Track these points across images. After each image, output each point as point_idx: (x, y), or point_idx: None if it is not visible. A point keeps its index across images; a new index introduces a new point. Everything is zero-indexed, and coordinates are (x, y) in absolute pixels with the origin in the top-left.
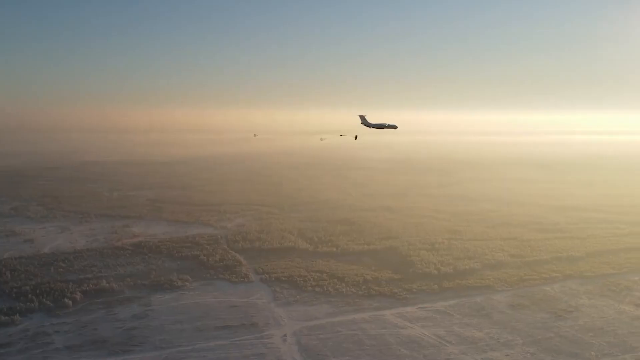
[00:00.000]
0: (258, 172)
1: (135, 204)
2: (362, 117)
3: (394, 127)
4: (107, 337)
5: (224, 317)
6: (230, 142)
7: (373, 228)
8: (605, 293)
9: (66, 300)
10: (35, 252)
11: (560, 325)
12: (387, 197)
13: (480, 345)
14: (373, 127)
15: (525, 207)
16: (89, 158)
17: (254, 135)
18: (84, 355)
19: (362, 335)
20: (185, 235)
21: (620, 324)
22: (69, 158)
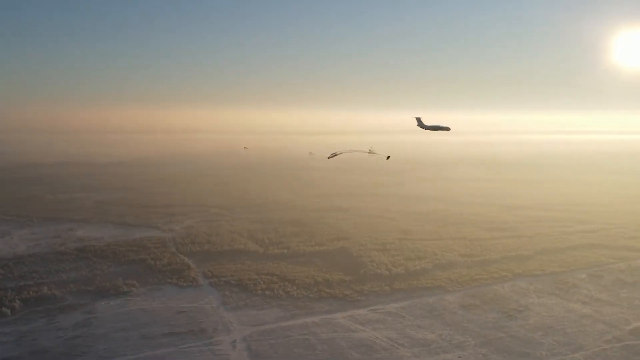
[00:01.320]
0: (209, 173)
1: (81, 207)
2: (418, 119)
3: (447, 129)
4: (47, 347)
5: (171, 323)
6: (183, 142)
7: (324, 229)
8: (554, 291)
9: (4, 309)
10: None
11: (511, 325)
12: (339, 197)
13: (432, 348)
14: (428, 129)
15: (474, 206)
16: (34, 159)
17: (244, 148)
18: None
19: (313, 340)
20: (132, 238)
21: (569, 322)
22: (10, 159)
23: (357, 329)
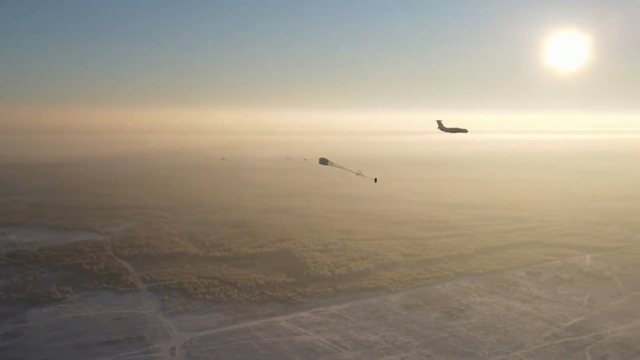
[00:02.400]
0: (150, 174)
1: (14, 210)
2: (439, 122)
3: (465, 131)
4: None
5: (107, 331)
6: (125, 143)
7: (266, 230)
8: (495, 290)
9: None
10: None
11: (453, 324)
12: (281, 197)
13: (375, 350)
14: (447, 131)
15: (416, 205)
16: None
17: (222, 159)
18: None
19: (255, 345)
20: (67, 242)
21: (510, 320)
22: None
23: (300, 332)
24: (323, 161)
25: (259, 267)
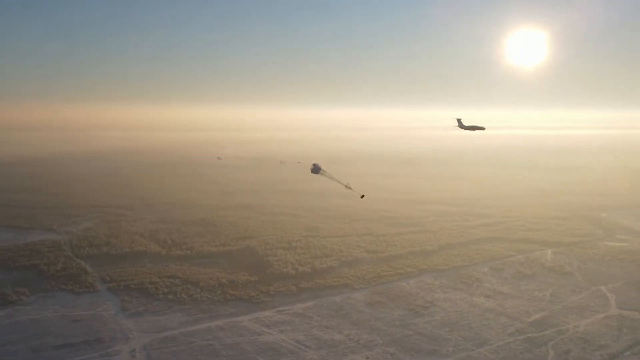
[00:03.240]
0: (111, 172)
1: None
2: (459, 120)
3: (483, 128)
4: None
5: (64, 333)
6: (86, 140)
7: (229, 228)
8: (458, 286)
9: None
10: None
11: (417, 321)
12: (244, 194)
13: (340, 349)
14: (466, 129)
15: (380, 201)
16: None
17: (218, 158)
18: None
19: (217, 345)
20: (23, 242)
21: (474, 316)
22: None
23: (263, 332)
24: (315, 169)
25: (222, 265)
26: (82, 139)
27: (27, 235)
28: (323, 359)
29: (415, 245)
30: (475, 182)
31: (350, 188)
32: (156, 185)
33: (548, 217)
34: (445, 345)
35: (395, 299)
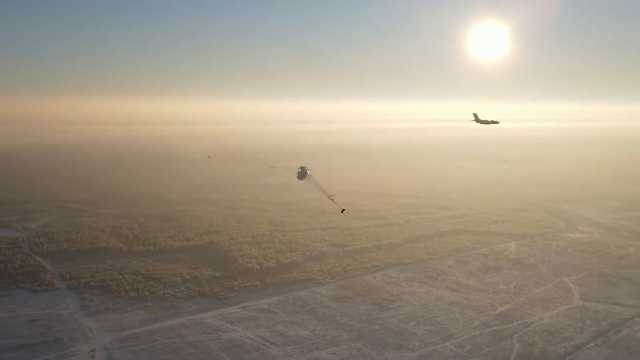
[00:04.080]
0: (72, 166)
1: None
2: (475, 115)
3: (497, 122)
4: None
5: (21, 333)
6: (46, 133)
7: (193, 222)
8: (424, 279)
9: None
10: None
11: (383, 316)
12: (209, 188)
13: (305, 345)
14: (482, 123)
15: (344, 194)
16: None
17: (208, 157)
18: None
19: (180, 343)
20: None
21: (440, 310)
22: None
23: (228, 329)
24: (301, 175)
25: (185, 261)
26: (42, 132)
27: None
28: (288, 356)
29: (380, 238)
30: (438, 174)
31: (332, 200)
32: (118, 179)
33: (511, 209)
34: (411, 339)
35: (361, 293)
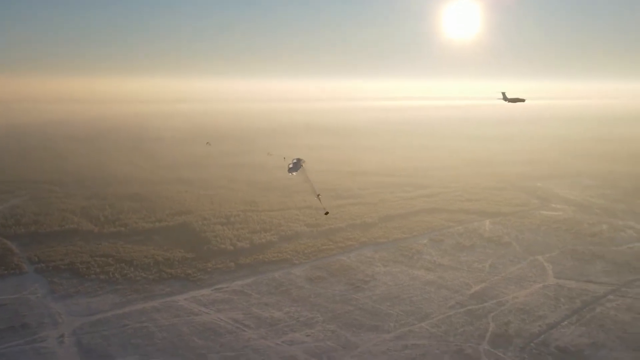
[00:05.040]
0: (40, 145)
1: None
2: (503, 94)
3: (523, 100)
4: None
5: None
6: (16, 112)
7: (165, 203)
8: (399, 259)
9: None
10: None
11: (358, 296)
12: (181, 168)
13: (280, 327)
14: (509, 101)
15: (319, 173)
16: None
17: (207, 143)
18: None
19: (152, 327)
20: None
21: (415, 290)
22: None
23: (201, 312)
24: (295, 167)
25: (157, 242)
26: (10, 111)
27: None
28: (262, 339)
29: (355, 217)
30: (412, 153)
31: (319, 199)
32: (90, 159)
33: (485, 187)
34: (386, 320)
35: (336, 274)
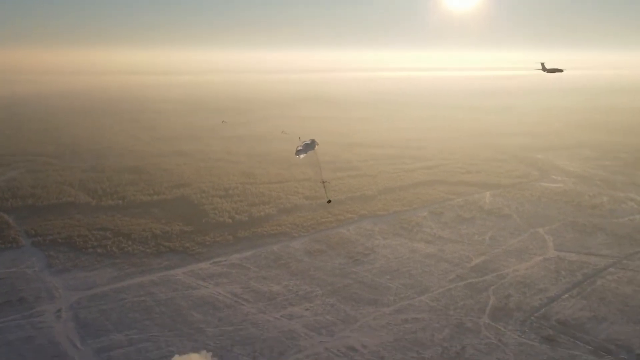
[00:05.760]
0: (38, 117)
1: None
2: (542, 64)
3: (561, 70)
4: None
5: None
6: (7, 84)
7: (164, 175)
8: (398, 231)
9: None
10: None
11: (357, 270)
12: (179, 140)
13: (278, 301)
14: (548, 72)
15: (318, 145)
16: None
17: (222, 122)
18: None
19: (150, 302)
20: None
21: (414, 263)
22: None
23: (199, 286)
24: (305, 149)
25: (155, 215)
26: (6, 83)
27: None
28: (261, 313)
29: (354, 190)
30: (411, 124)
31: (324, 186)
32: (88, 131)
33: (485, 158)
34: (386, 294)
35: (335, 247)
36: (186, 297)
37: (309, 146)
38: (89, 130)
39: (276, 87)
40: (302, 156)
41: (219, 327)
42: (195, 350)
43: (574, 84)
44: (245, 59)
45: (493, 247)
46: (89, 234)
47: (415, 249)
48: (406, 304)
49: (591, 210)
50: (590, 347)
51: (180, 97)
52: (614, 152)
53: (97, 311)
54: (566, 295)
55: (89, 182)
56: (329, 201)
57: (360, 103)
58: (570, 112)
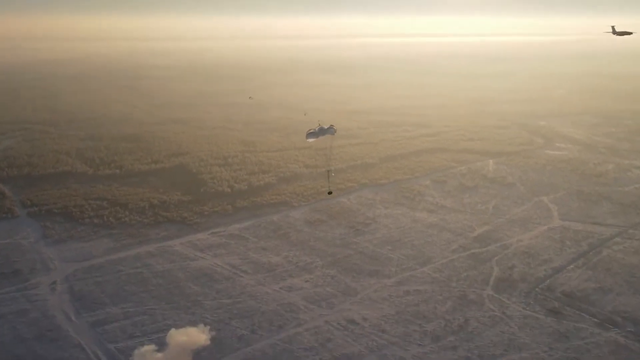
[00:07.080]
0: (34, 85)
1: None
2: (613, 27)
3: (631, 33)
4: None
5: None
6: (2, 51)
7: (162, 144)
8: (400, 200)
9: None
10: None
11: (358, 240)
12: (177, 108)
13: (278, 272)
14: (618, 35)
15: (317, 112)
16: None
17: (249, 97)
18: None
19: (147, 273)
20: None
21: (416, 233)
22: None
23: (197, 257)
24: (320, 132)
25: (153, 185)
26: (1, 50)
27: None
28: (260, 285)
29: (355, 158)
30: (412, 91)
31: (328, 175)
32: (84, 99)
33: (488, 126)
34: (387, 265)
35: (336, 216)
36: (183, 268)
37: (325, 131)
38: (86, 97)
39: (281, 54)
40: (311, 140)
41: (217, 300)
42: (193, 323)
43: (576, 51)
44: (246, 24)
45: (496, 216)
46: (86, 204)
47: (417, 219)
48: (408, 275)
49: (596, 178)
50: (596, 320)
51: (177, 63)
52: (618, 118)
53: (92, 283)
54: (571, 266)
55: (86, 151)
56: (330, 192)
57: (361, 69)
58: (571, 78)
